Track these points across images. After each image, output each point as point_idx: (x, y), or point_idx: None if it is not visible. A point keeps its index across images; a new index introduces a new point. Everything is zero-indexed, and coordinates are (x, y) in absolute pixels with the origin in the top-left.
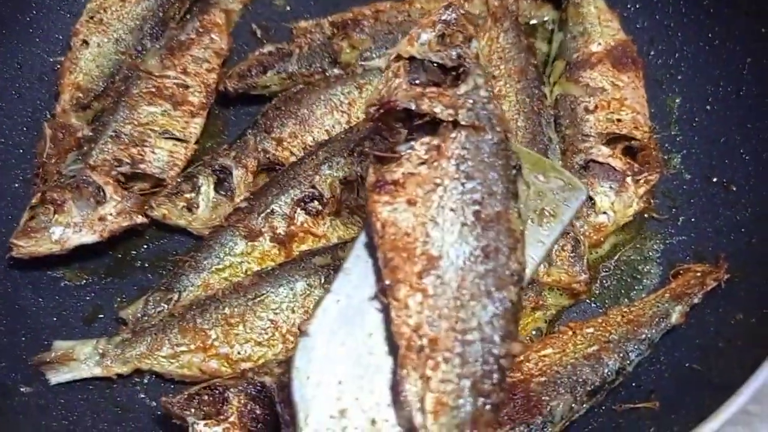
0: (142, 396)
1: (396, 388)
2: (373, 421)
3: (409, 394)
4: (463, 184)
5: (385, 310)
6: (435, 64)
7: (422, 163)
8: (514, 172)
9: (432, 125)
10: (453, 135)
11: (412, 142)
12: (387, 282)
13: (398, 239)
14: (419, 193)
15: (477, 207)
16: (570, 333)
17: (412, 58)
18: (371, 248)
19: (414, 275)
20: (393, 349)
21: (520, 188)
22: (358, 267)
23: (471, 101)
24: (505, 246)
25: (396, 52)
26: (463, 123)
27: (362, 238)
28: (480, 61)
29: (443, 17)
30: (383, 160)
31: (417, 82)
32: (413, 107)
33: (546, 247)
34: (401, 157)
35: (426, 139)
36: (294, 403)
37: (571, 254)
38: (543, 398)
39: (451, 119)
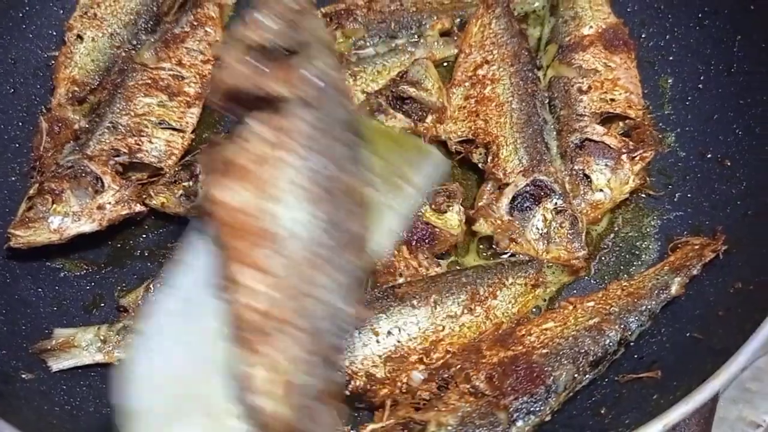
0: None
1: (242, 381)
2: (218, 419)
3: (258, 380)
4: (304, 158)
5: (227, 300)
6: (269, 44)
7: (261, 141)
8: (358, 139)
9: (272, 104)
10: (294, 111)
11: (248, 122)
12: (230, 268)
13: (237, 222)
14: (259, 172)
15: (319, 177)
16: (571, 307)
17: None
18: (207, 235)
19: (257, 257)
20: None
21: (364, 155)
22: (195, 257)
23: (311, 75)
24: (348, 212)
25: (225, 38)
26: (303, 97)
27: (193, 225)
28: (319, 36)
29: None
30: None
31: (252, 63)
32: (251, 88)
33: (402, 215)
34: (237, 138)
35: (264, 116)
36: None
37: (570, 231)
38: (545, 368)
39: (291, 95)
